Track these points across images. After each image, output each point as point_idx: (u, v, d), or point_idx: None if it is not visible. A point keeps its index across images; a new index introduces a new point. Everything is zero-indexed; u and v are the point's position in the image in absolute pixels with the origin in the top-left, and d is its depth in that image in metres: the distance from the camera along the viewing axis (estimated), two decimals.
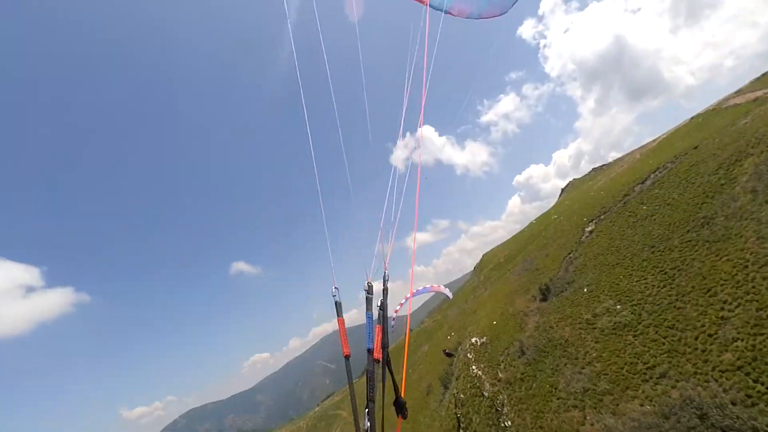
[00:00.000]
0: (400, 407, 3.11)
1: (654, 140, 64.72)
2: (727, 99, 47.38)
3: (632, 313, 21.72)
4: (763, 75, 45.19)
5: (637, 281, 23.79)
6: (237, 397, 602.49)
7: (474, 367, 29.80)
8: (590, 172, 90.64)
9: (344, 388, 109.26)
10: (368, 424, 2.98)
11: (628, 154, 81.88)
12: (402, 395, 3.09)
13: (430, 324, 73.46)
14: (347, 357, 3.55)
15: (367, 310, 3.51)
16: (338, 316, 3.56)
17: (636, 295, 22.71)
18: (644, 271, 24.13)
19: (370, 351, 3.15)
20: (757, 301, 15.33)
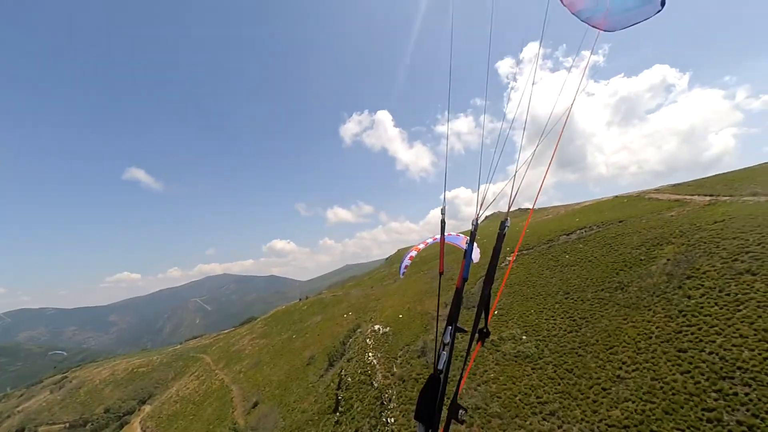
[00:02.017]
0: (483, 336, 3.00)
1: (579, 203, 72.18)
2: (647, 192, 54.55)
3: (536, 347, 22.71)
4: (679, 184, 52.98)
5: (546, 319, 25.09)
6: (86, 310, 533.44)
7: (370, 354, 28.93)
8: (515, 210, 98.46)
9: (216, 333, 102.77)
10: (449, 339, 3.03)
11: (552, 207, 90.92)
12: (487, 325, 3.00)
13: (328, 296, 72.33)
14: (442, 273, 3.98)
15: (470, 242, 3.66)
16: (441, 234, 3.81)
17: (543, 332, 23.87)
18: (554, 312, 25.59)
19: (465, 279, 3.19)
20: (653, 371, 16.76)
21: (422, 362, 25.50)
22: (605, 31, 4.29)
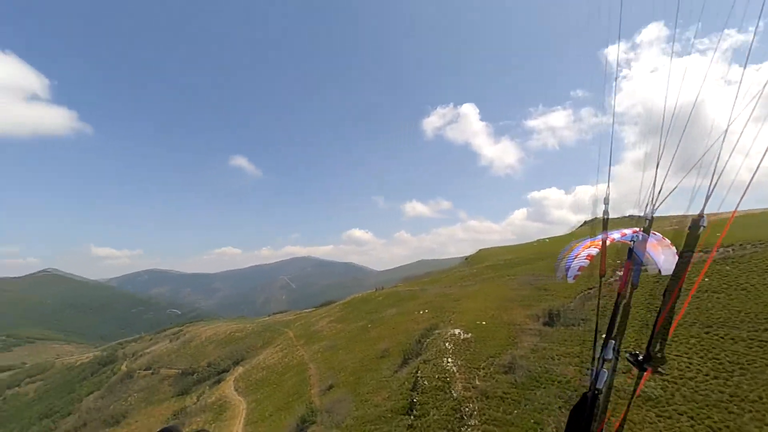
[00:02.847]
0: (656, 362, 2.49)
1: (716, 214, 58.83)
2: None
3: (663, 389, 18.32)
4: None
5: (677, 355, 20.21)
6: (198, 276, 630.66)
7: (449, 360, 27.09)
8: (624, 217, 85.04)
9: (299, 310, 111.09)
10: (611, 356, 2.63)
11: (673, 216, 76.17)
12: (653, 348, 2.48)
13: (404, 290, 71.89)
14: (603, 275, 3.59)
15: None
16: (604, 228, 3.54)
17: (673, 371, 19.22)
18: (689, 348, 20.48)
19: (635, 286, 2.93)
20: None
21: (509, 380, 22.80)
22: None
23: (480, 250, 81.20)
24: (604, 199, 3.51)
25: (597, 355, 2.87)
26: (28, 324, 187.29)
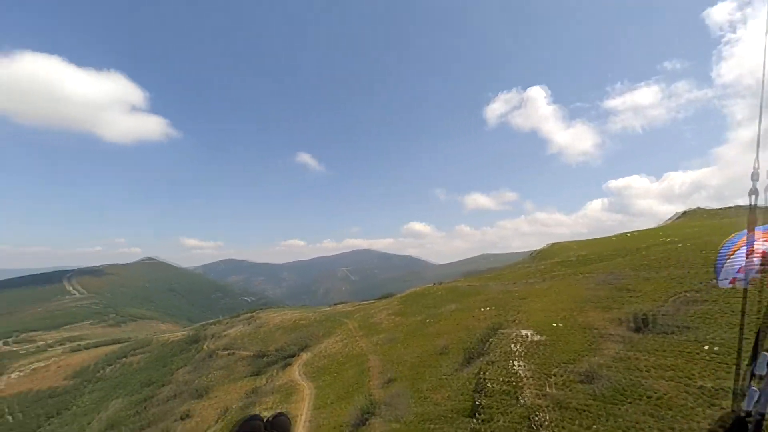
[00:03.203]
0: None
1: None
2: None
3: None
4: None
5: None
6: (267, 266, 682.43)
7: (517, 363, 25.13)
8: (733, 207, 72.17)
9: (359, 302, 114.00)
10: (766, 370, 2.23)
11: None
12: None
13: (464, 285, 69.49)
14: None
15: None
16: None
17: None
18: None
19: None
20: None
21: (588, 391, 20.32)
22: None
23: (549, 244, 75.19)
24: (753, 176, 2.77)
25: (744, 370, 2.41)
26: (133, 304, 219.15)
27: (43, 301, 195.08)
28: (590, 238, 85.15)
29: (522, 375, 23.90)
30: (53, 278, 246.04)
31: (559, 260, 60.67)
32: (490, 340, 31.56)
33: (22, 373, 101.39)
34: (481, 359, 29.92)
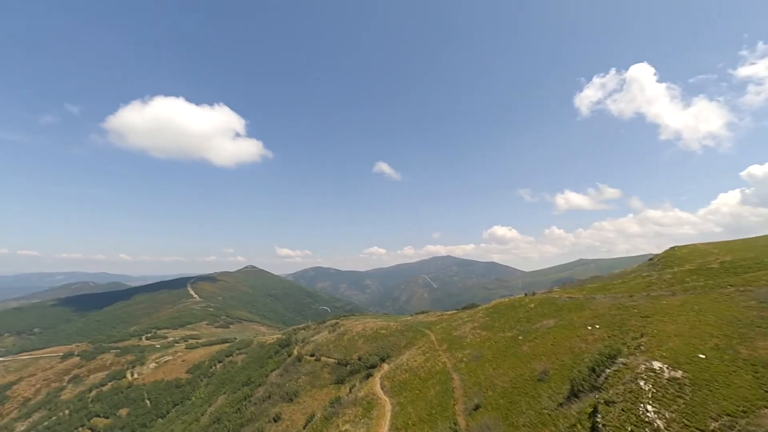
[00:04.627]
0: None
1: None
2: None
3: None
4: None
5: None
6: (351, 273, 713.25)
7: (650, 408, 18.85)
8: None
9: (441, 311, 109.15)
10: None
11: None
12: None
13: (562, 296, 60.08)
14: None
15: None
16: None
17: None
18: None
19: None
20: None
21: None
22: None
23: (673, 247, 61.03)
24: None
25: None
26: (238, 307, 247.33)
27: (172, 303, 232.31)
28: (729, 239, 67.14)
29: (660, 427, 17.68)
30: (180, 284, 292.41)
31: (692, 267, 48.31)
32: (606, 371, 25.04)
33: (155, 365, 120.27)
34: (595, 395, 23.74)
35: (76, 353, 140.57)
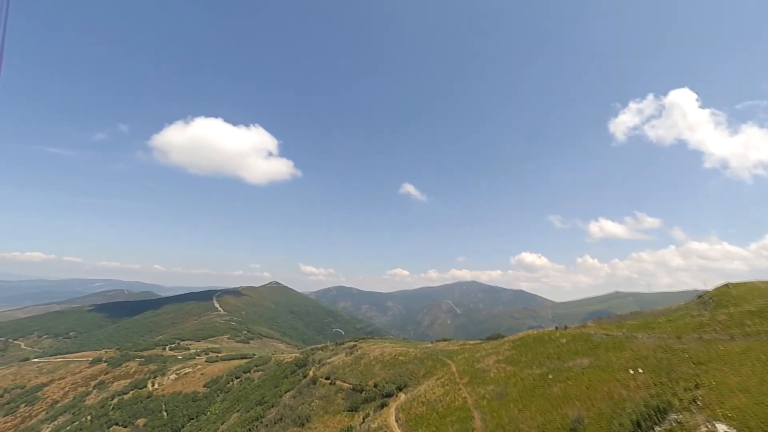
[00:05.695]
0: None
1: None
2: None
3: None
4: None
5: None
6: (373, 294, 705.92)
7: None
8: None
9: (464, 340, 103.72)
10: None
11: None
12: None
13: (598, 333, 54.77)
14: None
15: None
16: None
17: None
18: None
19: None
20: None
21: None
22: None
23: (727, 284, 54.62)
24: None
25: None
26: (260, 322, 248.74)
27: (198, 315, 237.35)
28: None
29: None
30: (207, 296, 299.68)
31: (752, 309, 42.61)
32: (656, 429, 21.40)
33: (175, 376, 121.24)
34: None
35: (103, 359, 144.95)
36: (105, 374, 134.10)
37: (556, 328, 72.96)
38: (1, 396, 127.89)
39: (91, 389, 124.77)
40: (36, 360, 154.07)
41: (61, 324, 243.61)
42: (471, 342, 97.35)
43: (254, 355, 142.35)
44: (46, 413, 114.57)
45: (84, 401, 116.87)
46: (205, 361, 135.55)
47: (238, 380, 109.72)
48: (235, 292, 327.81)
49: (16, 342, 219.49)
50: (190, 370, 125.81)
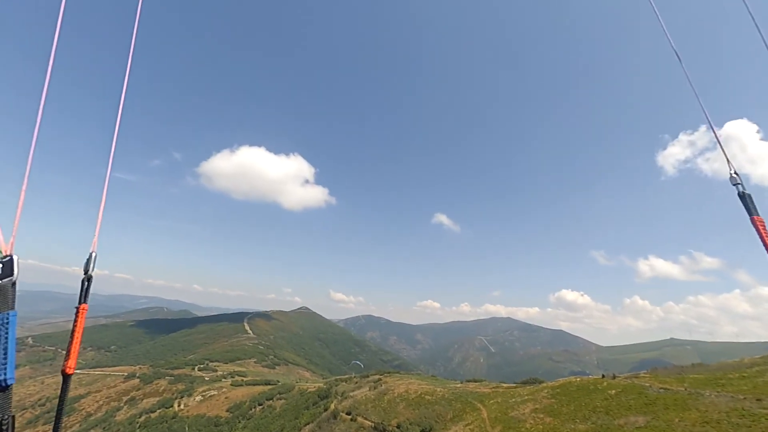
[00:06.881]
0: None
1: None
2: None
3: None
4: None
5: None
6: (402, 325, 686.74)
7: None
8: None
9: (496, 383, 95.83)
10: None
11: None
12: None
13: (654, 386, 47.79)
14: None
15: None
16: None
17: None
18: None
19: None
20: None
21: None
22: None
23: None
24: None
25: None
26: (287, 348, 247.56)
27: (228, 337, 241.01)
28: None
29: None
30: (238, 318, 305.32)
31: None
32: None
33: (200, 398, 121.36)
34: None
35: (137, 375, 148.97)
36: (137, 390, 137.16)
37: (603, 376, 65.26)
38: (44, 405, 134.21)
39: (122, 404, 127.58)
40: (78, 371, 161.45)
41: (105, 337, 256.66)
42: (505, 385, 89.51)
43: (278, 381, 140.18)
44: (80, 425, 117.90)
45: (114, 416, 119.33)
46: (231, 385, 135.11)
47: (261, 407, 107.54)
48: (265, 316, 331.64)
49: (63, 352, 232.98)
50: (216, 392, 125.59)
